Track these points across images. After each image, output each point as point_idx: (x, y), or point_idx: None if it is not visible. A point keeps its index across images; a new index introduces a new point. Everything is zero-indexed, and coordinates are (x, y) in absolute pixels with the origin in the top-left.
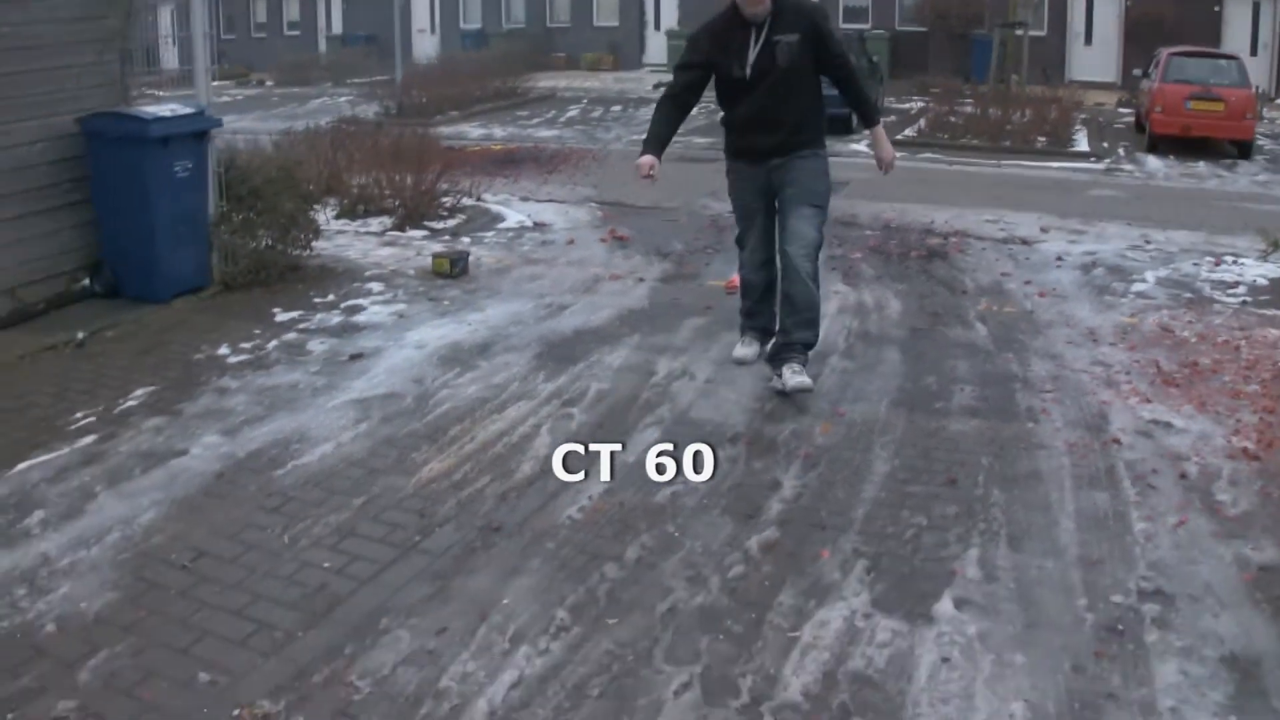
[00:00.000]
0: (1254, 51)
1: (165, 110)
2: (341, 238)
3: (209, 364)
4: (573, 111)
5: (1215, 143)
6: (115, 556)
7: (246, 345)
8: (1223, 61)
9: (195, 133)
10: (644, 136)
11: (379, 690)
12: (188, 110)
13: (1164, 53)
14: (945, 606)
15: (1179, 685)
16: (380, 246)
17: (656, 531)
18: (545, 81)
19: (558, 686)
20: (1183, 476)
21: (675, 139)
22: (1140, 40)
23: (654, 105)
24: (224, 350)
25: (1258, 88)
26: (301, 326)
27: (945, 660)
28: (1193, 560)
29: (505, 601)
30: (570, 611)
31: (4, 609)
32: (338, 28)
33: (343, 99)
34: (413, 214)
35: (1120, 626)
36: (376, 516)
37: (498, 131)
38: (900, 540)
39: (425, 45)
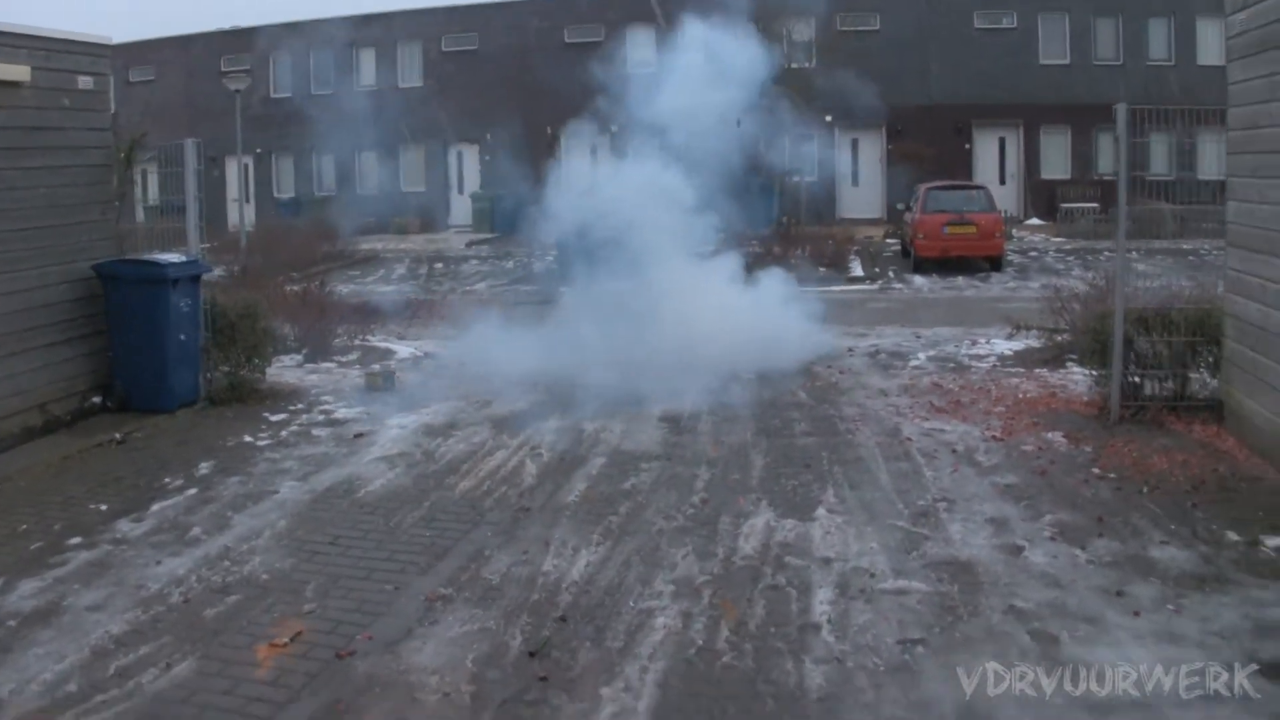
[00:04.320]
0: (1002, 181)
1: (173, 257)
2: (268, 370)
3: (244, 447)
4: (400, 269)
5: (971, 260)
6: (277, 543)
7: (264, 435)
8: (973, 191)
9: (194, 276)
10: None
11: (506, 577)
12: (188, 258)
13: (922, 188)
14: (821, 513)
15: (963, 532)
16: (307, 375)
17: (631, 502)
18: (365, 245)
19: (613, 563)
20: (954, 452)
21: (498, 289)
22: (901, 179)
23: (469, 261)
24: (248, 439)
25: (1005, 211)
26: (296, 424)
27: (828, 534)
28: (964, 485)
29: (556, 536)
30: (600, 535)
31: (225, 570)
32: (154, 198)
33: None
34: (317, 351)
35: (926, 514)
36: (444, 510)
37: (341, 289)
38: (784, 491)
39: (239, 214)
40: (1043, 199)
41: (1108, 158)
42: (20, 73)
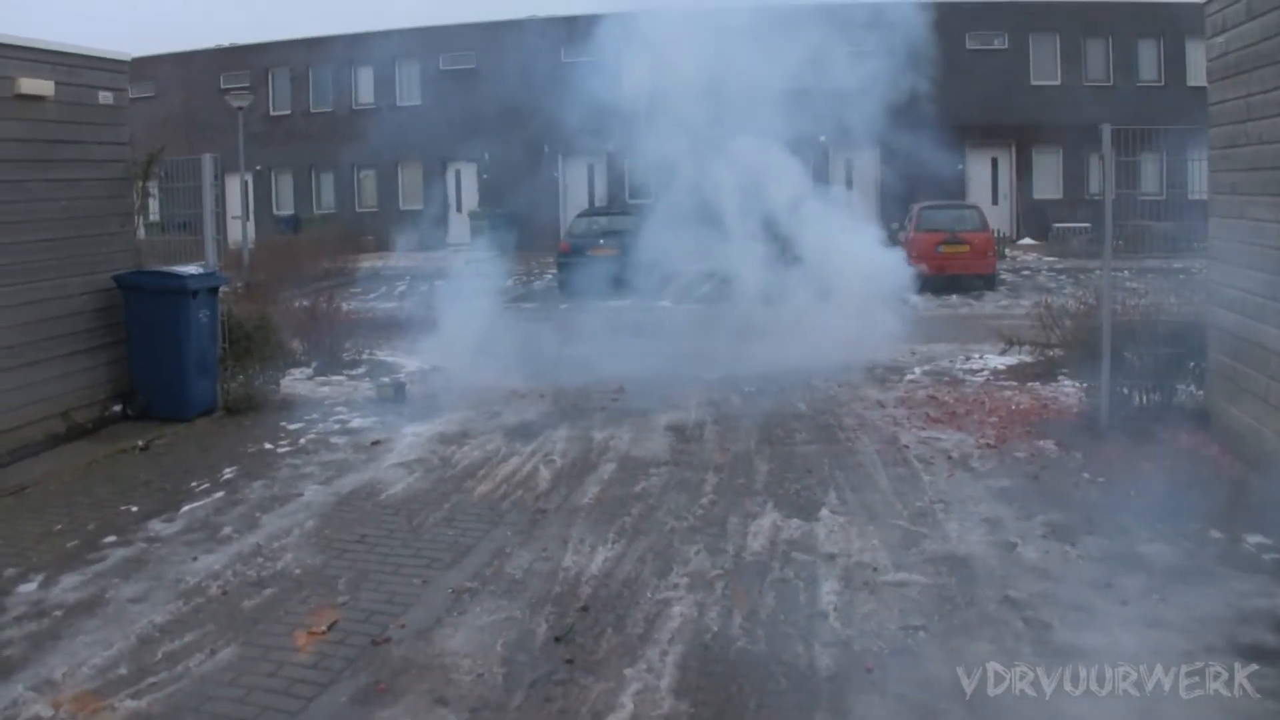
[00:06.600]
0: (995, 200)
1: (193, 269)
2: (281, 381)
3: (265, 454)
4: (401, 287)
5: (965, 278)
6: (307, 541)
7: (284, 442)
8: (965, 210)
9: (212, 288)
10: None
11: (529, 573)
12: (206, 270)
13: (915, 207)
14: (825, 513)
15: (959, 530)
16: (318, 387)
17: (643, 504)
18: (365, 262)
19: (629, 559)
20: (950, 458)
21: (500, 305)
22: (895, 200)
23: (469, 279)
24: (268, 446)
25: (998, 231)
26: (314, 432)
27: (832, 532)
28: (960, 489)
29: (573, 534)
30: (614, 534)
31: (259, 566)
32: (154, 215)
33: None
34: (326, 365)
35: (924, 514)
36: (464, 512)
37: (343, 306)
38: (789, 494)
39: (240, 231)
40: (1035, 219)
41: (1099, 178)
42: (44, 87)
